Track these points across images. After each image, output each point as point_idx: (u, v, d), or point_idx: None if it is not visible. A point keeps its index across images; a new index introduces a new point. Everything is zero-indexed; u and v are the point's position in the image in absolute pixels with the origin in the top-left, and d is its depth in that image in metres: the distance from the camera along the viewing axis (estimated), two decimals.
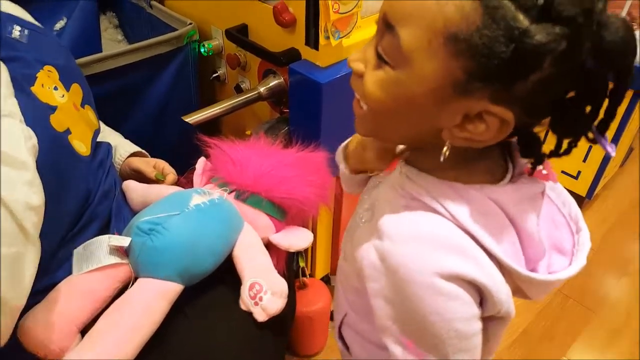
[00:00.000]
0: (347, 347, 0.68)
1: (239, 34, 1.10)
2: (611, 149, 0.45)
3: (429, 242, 0.46)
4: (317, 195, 0.83)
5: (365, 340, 0.64)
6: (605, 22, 0.39)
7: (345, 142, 0.69)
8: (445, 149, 0.47)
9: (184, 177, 0.88)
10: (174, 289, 0.67)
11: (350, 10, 0.94)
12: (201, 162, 0.87)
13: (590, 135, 0.45)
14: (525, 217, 0.49)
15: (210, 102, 1.25)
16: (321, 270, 1.39)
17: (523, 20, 0.38)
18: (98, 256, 0.66)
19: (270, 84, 1.10)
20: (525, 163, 0.52)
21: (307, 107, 1.03)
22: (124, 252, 0.68)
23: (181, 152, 0.96)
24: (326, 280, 1.44)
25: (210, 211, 0.73)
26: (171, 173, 0.90)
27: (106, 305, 0.66)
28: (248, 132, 1.26)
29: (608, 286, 1.66)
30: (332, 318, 1.36)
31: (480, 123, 0.44)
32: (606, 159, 1.66)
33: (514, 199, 0.48)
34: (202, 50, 1.17)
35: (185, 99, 1.21)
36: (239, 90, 1.21)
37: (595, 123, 0.45)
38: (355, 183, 0.69)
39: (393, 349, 0.50)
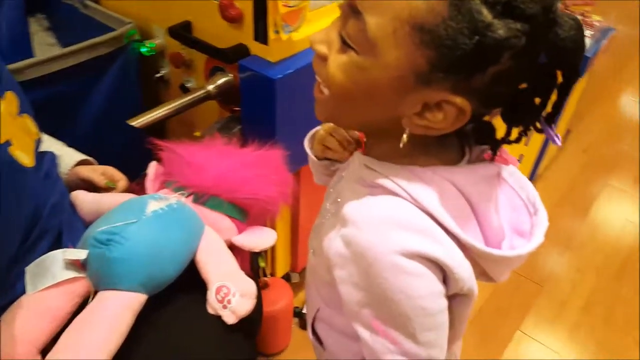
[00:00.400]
0: (320, 343, 0.69)
1: (182, 31, 1.08)
2: (558, 139, 0.48)
3: (390, 223, 0.48)
4: (279, 193, 0.83)
5: (339, 334, 0.64)
6: (560, 21, 0.42)
7: (317, 128, 0.70)
8: (404, 136, 0.48)
9: (136, 184, 0.86)
10: (138, 299, 0.65)
11: (299, 4, 0.94)
12: (153, 166, 0.85)
13: (538, 125, 0.48)
14: (482, 197, 0.51)
15: (155, 103, 1.21)
16: (282, 268, 1.39)
17: (487, 14, 0.40)
18: (53, 272, 0.63)
19: (219, 82, 1.08)
20: (482, 150, 0.54)
21: (260, 104, 1.02)
22: (80, 265, 0.65)
23: (129, 158, 0.92)
24: (287, 278, 1.44)
25: (169, 216, 0.71)
26: (122, 179, 0.87)
27: (67, 323, 0.62)
28: (197, 134, 1.23)
29: (553, 261, 1.76)
30: (295, 315, 1.37)
31: (438, 112, 0.46)
32: (546, 142, 1.76)
33: (470, 180, 0.50)
34: (143, 50, 1.14)
35: (128, 101, 1.16)
36: (185, 89, 1.18)
37: (543, 114, 0.47)
38: (321, 171, 0.69)
39: (362, 334, 0.52)
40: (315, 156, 0.69)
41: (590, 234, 1.88)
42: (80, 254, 0.64)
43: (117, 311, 0.62)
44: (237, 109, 1.11)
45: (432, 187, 0.49)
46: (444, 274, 0.49)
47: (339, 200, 0.56)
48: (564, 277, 1.71)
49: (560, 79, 0.46)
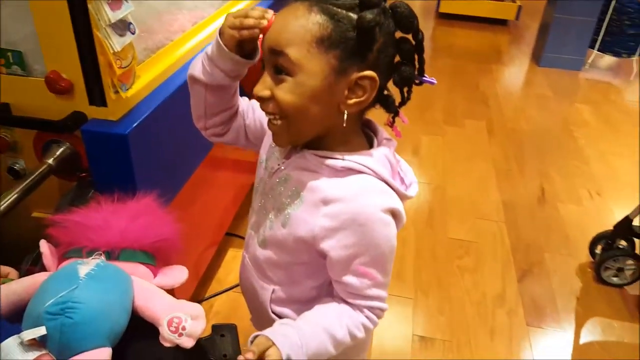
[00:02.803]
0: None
1: (2, 113, 1.11)
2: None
3: (368, 192, 0.75)
4: (177, 230, 0.96)
5: (297, 303, 0.87)
6: (395, 5, 0.72)
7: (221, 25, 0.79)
8: (345, 116, 0.74)
9: (32, 266, 0.89)
10: (108, 352, 0.74)
11: (130, 64, 1.09)
12: (45, 244, 0.90)
13: (417, 80, 0.77)
14: (396, 162, 0.81)
15: None
16: None
17: (353, 14, 0.69)
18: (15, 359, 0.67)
19: (57, 154, 1.15)
20: (383, 136, 0.83)
21: (114, 163, 1.13)
22: (39, 344, 0.71)
23: None
24: None
25: (102, 274, 0.80)
26: (11, 270, 0.89)
27: None
28: (36, 214, 1.25)
29: None
30: None
31: (359, 89, 0.72)
32: None
33: (391, 154, 0.80)
34: None
35: None
36: (15, 173, 1.20)
37: (416, 71, 0.77)
38: (222, 66, 0.79)
39: (349, 280, 0.77)
40: (227, 46, 0.77)
41: None
42: (38, 331, 0.69)
43: None
44: (84, 175, 1.18)
45: (381, 163, 0.77)
46: (395, 221, 0.77)
47: (300, 192, 0.78)
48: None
49: (413, 42, 0.75)
